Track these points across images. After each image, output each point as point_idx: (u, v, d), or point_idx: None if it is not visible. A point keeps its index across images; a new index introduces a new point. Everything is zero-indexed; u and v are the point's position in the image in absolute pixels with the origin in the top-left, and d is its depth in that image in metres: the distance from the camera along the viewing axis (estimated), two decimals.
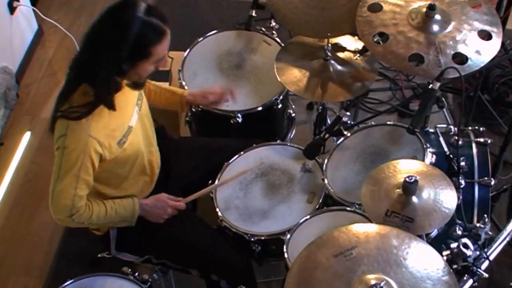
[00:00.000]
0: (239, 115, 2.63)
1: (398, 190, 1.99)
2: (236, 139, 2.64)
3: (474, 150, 2.42)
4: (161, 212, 2.29)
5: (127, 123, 2.15)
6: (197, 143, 2.69)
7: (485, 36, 2.25)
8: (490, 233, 2.10)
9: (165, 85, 2.64)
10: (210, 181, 2.57)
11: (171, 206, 2.30)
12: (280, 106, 2.70)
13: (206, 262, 2.39)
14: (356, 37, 2.57)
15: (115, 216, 2.20)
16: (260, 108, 2.65)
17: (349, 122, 2.39)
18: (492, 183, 2.34)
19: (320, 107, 2.82)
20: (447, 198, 1.98)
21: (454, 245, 1.98)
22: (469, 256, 1.97)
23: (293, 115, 2.93)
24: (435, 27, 2.25)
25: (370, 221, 2.02)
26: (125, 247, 2.39)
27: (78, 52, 2.08)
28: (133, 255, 2.41)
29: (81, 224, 2.16)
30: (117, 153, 2.12)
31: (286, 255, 2.18)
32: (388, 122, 2.50)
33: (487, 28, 2.26)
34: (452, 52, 2.19)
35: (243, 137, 2.64)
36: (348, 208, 2.27)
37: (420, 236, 1.86)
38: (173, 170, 2.47)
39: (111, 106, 2.05)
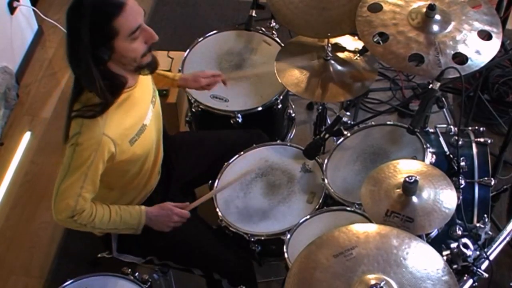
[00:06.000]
0: (239, 115, 2.63)
1: (398, 190, 1.99)
2: (235, 130, 2.64)
3: (474, 150, 2.41)
4: (167, 220, 2.24)
5: (142, 121, 2.13)
6: (196, 137, 2.69)
7: (485, 36, 2.25)
8: (490, 233, 2.10)
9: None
10: (210, 181, 2.58)
11: (177, 213, 2.25)
12: (280, 106, 2.70)
13: (208, 261, 2.38)
14: (356, 37, 2.57)
15: (120, 222, 2.16)
16: (260, 108, 2.66)
17: (349, 122, 2.39)
18: (492, 183, 2.33)
19: (320, 107, 2.83)
20: (447, 198, 1.98)
21: (454, 245, 1.99)
22: (469, 256, 1.97)
23: (293, 115, 2.94)
24: (435, 27, 2.25)
25: (370, 221, 2.02)
26: (127, 248, 2.38)
27: None
28: (136, 257, 2.40)
29: (83, 226, 2.11)
30: (127, 151, 2.09)
31: (286, 255, 2.18)
32: (388, 122, 2.50)
33: (487, 28, 2.26)
34: (452, 52, 2.20)
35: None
36: (348, 208, 2.26)
37: (420, 236, 1.86)
38: (174, 168, 2.47)
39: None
